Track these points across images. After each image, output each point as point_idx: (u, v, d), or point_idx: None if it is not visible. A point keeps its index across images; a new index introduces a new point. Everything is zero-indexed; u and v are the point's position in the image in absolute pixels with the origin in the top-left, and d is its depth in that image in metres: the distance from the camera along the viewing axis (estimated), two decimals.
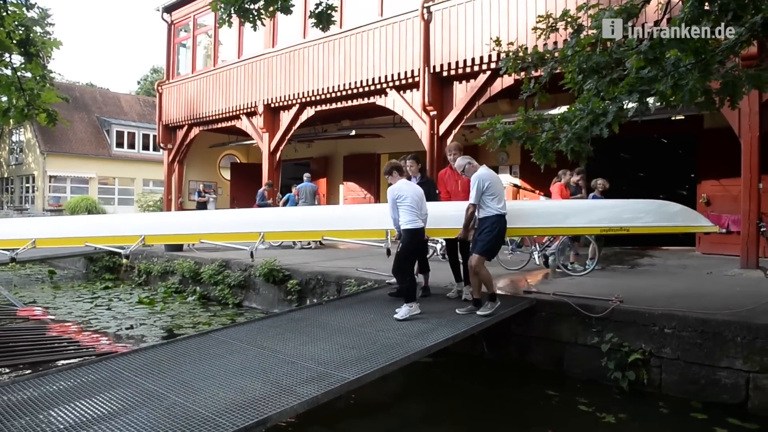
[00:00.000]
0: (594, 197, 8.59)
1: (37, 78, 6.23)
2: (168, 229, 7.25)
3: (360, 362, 4.21)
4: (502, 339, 6.10)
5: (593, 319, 5.50)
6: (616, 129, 3.76)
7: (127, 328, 7.79)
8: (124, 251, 6.43)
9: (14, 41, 5.77)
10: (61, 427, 3.21)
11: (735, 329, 4.82)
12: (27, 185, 30.80)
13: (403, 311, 5.46)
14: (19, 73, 6.23)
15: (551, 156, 4.31)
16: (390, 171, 5.77)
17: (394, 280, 6.42)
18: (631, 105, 3.73)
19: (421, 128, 11.19)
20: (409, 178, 6.26)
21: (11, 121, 6.33)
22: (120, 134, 31.18)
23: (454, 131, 10.85)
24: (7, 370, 5.76)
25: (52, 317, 8.27)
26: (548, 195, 9.92)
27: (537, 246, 8.78)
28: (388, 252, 5.88)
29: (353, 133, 14.92)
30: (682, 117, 10.92)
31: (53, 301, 9.83)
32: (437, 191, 6.67)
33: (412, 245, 5.57)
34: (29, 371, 5.43)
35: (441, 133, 10.99)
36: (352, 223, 6.74)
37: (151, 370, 4.21)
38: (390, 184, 5.74)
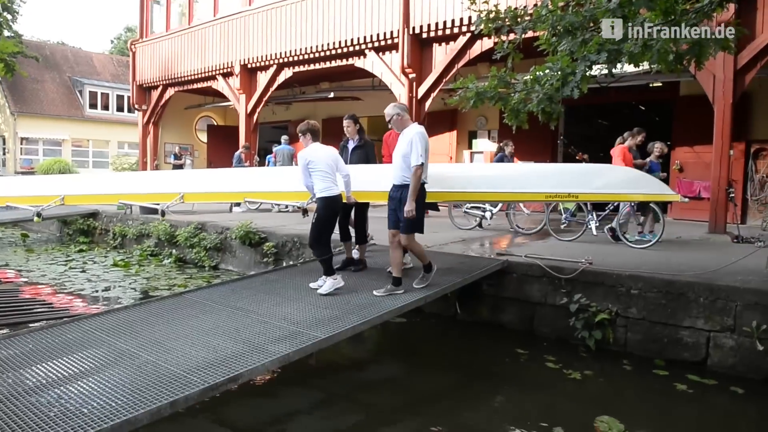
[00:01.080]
0: (652, 164, 7.86)
1: None
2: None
3: (332, 322, 4.27)
4: (475, 300, 6.20)
5: (563, 280, 5.62)
6: (585, 89, 3.77)
7: (103, 290, 7.75)
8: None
9: None
10: (31, 385, 3.22)
11: (698, 290, 4.97)
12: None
13: (327, 285, 5.11)
14: None
15: (523, 117, 4.31)
16: (305, 132, 5.24)
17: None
18: (600, 65, 3.73)
19: (400, 91, 11.10)
20: (346, 141, 6.03)
21: None
22: (93, 95, 30.32)
23: (433, 94, 10.79)
24: None
25: (25, 280, 8.19)
26: (576, 158, 9.19)
27: (594, 215, 8.05)
28: (304, 212, 5.75)
29: (332, 95, 14.74)
30: (660, 84, 10.99)
31: (26, 264, 9.71)
32: (379, 154, 6.45)
33: (328, 213, 5.11)
34: None
35: (420, 96, 10.93)
36: (275, 184, 6.58)
37: (123, 330, 4.23)
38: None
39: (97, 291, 7.70)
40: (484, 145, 13.62)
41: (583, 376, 4.81)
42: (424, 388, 4.79)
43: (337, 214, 5.25)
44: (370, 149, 6.12)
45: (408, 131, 4.87)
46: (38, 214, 6.44)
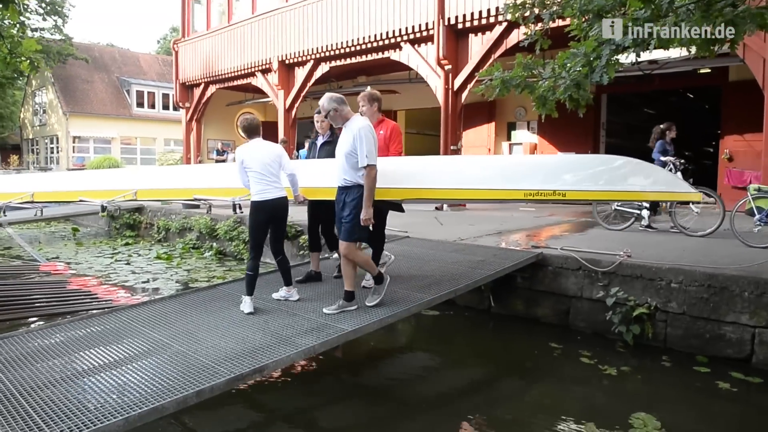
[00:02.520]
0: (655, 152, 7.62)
1: (16, 25, 6.26)
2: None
3: (360, 314, 4.27)
4: (509, 293, 6.11)
5: (599, 273, 5.46)
6: (612, 74, 3.62)
7: (144, 282, 7.99)
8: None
9: None
10: (70, 372, 3.34)
11: (743, 284, 4.75)
12: (51, 146, 31.32)
13: (280, 294, 4.77)
14: None
15: (551, 105, 4.19)
16: (246, 129, 4.69)
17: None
18: (627, 50, 3.57)
19: (436, 83, 11.01)
20: (316, 136, 5.46)
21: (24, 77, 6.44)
22: (140, 94, 31.32)
23: (469, 86, 10.64)
24: (33, 320, 5.99)
25: (73, 272, 8.52)
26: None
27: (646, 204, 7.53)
28: (234, 208, 5.45)
29: (368, 89, 14.73)
30: (708, 70, 10.56)
31: (75, 256, 10.10)
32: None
33: (256, 219, 4.51)
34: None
35: (456, 87, 10.80)
36: (224, 180, 5.98)
37: (158, 321, 4.34)
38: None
39: (138, 283, 7.95)
40: (523, 136, 13.39)
41: (620, 372, 4.66)
42: (457, 381, 4.74)
43: (268, 220, 4.54)
44: None
45: (351, 126, 4.26)
46: (103, 207, 6.42)
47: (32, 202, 6.61)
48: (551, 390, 4.57)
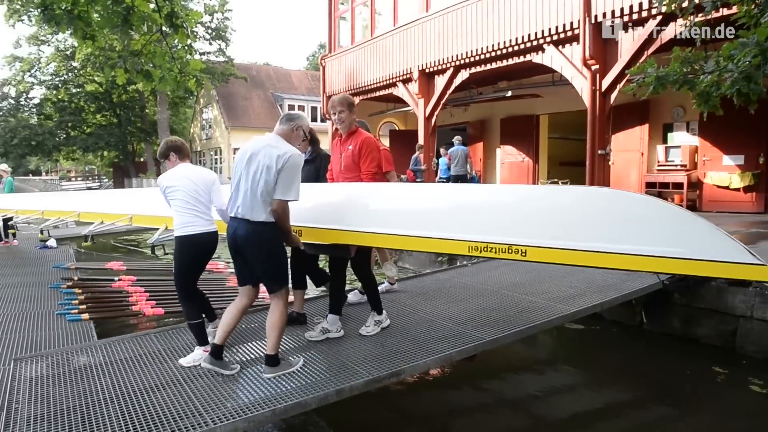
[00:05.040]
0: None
1: (185, 47, 6.93)
2: None
3: (498, 324, 4.18)
4: (664, 308, 5.61)
5: None
6: None
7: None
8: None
9: (161, 15, 6.48)
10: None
11: None
12: (215, 157, 34.73)
13: (189, 358, 3.71)
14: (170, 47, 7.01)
15: (714, 101, 3.76)
16: (166, 153, 4.00)
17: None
18: None
19: (582, 85, 10.47)
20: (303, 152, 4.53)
21: (168, 88, 7.17)
22: (291, 108, 33.59)
23: (619, 86, 9.98)
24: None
25: (231, 271, 9.32)
26: None
27: None
28: (152, 249, 4.75)
29: (509, 94, 14.44)
30: None
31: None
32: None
33: (188, 257, 3.74)
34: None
35: (604, 89, 10.18)
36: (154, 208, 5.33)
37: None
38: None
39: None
40: (682, 138, 12.25)
41: None
42: (600, 401, 4.46)
43: (201, 256, 3.83)
44: (326, 163, 4.69)
45: (284, 155, 3.40)
46: None
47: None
48: (714, 420, 4.11)
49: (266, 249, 3.39)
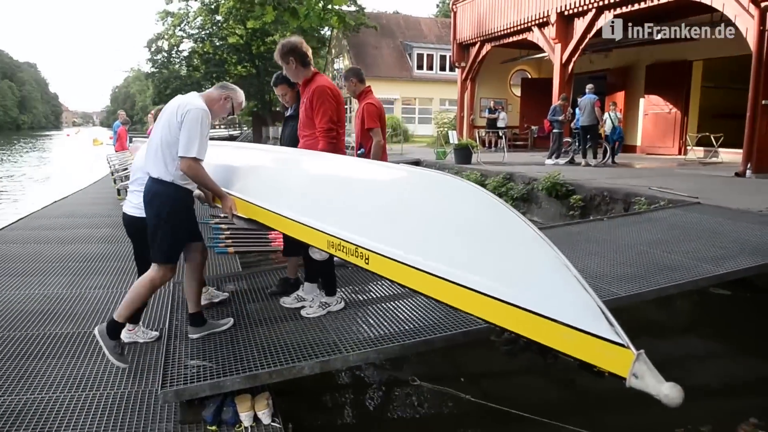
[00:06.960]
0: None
1: None
2: None
3: (635, 280, 3.95)
4: None
5: None
6: None
7: None
8: None
9: None
10: (354, 300, 3.83)
11: None
12: (346, 107, 35.67)
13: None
14: None
15: None
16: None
17: None
18: None
19: (747, 25, 9.25)
20: (285, 110, 4.23)
21: (313, 23, 7.30)
22: (420, 57, 33.31)
23: None
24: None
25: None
26: None
27: None
28: None
29: (659, 37, 13.13)
30: None
31: None
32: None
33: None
34: None
35: None
36: None
37: None
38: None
39: None
40: None
41: None
42: (746, 373, 4.12)
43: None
44: None
45: (192, 111, 2.98)
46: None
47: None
48: None
49: (154, 210, 3.06)
